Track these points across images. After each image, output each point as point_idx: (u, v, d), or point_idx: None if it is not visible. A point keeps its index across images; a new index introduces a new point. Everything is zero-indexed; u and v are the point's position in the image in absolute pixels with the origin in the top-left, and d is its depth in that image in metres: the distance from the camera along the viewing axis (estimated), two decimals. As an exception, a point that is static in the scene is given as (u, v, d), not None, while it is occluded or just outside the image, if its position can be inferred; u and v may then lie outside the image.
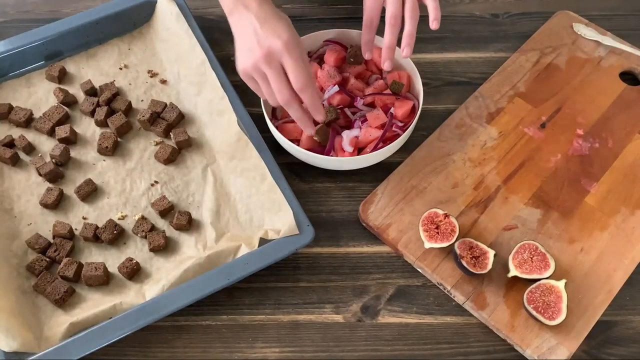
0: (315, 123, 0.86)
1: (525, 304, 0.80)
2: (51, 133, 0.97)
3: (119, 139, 0.97)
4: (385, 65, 0.89)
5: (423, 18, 1.13)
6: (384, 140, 0.91)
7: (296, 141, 0.92)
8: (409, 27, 0.85)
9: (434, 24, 0.84)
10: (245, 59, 0.79)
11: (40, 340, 0.79)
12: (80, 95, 1.02)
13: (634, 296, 0.85)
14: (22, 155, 0.96)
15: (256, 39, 0.77)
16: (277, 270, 0.87)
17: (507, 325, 0.81)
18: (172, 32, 1.04)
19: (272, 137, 0.94)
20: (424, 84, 0.95)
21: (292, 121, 0.94)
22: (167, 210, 0.90)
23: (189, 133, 0.97)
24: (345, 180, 0.95)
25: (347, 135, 0.92)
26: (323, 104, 0.95)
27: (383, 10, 0.87)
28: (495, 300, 0.83)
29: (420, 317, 0.84)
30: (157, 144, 0.97)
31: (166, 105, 0.99)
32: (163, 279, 0.83)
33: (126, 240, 0.89)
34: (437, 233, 0.85)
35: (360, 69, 0.98)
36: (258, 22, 0.77)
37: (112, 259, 0.87)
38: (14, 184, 0.93)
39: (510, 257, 0.84)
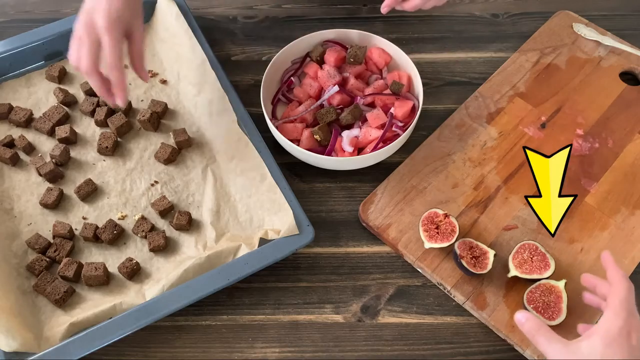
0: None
1: (525, 304, 0.80)
2: (51, 133, 0.97)
3: (119, 139, 0.97)
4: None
5: (422, 18, 1.14)
6: (384, 140, 0.91)
7: (296, 141, 0.92)
8: None
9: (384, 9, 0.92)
10: (78, 20, 0.82)
11: (40, 340, 0.79)
12: (80, 95, 1.02)
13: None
14: (22, 155, 0.96)
15: (92, 4, 0.81)
16: (277, 270, 0.87)
17: (507, 325, 0.81)
18: (172, 32, 1.04)
19: (272, 137, 0.94)
20: (424, 84, 0.95)
21: (292, 121, 0.95)
22: (167, 210, 0.90)
23: (189, 133, 0.97)
24: (345, 180, 0.95)
25: (347, 135, 0.92)
26: (323, 104, 0.95)
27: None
28: (495, 300, 0.83)
29: (420, 317, 0.84)
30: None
31: (166, 105, 0.99)
32: (163, 279, 0.83)
33: (126, 240, 0.89)
34: (437, 233, 0.85)
35: (360, 69, 0.99)
36: None
37: (112, 259, 0.87)
38: (14, 184, 0.93)
39: (510, 257, 0.84)
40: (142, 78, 0.87)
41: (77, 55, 0.82)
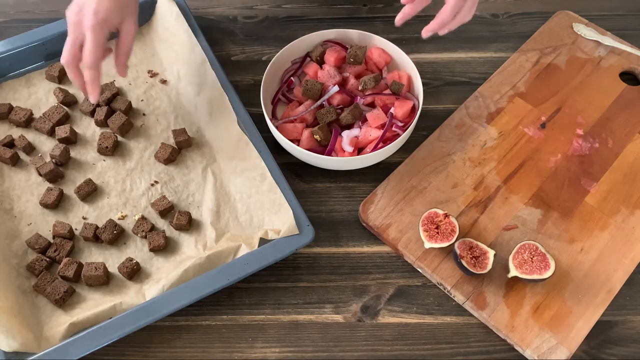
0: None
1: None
2: (51, 133, 0.97)
3: (119, 139, 0.97)
4: (424, 34, 0.89)
5: (422, 18, 1.14)
6: (384, 140, 0.91)
7: (296, 141, 0.92)
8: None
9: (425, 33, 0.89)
10: (69, 10, 0.84)
11: (40, 340, 0.79)
12: (80, 95, 1.02)
13: (634, 296, 0.85)
14: (22, 155, 0.96)
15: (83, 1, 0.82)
16: (277, 270, 0.87)
17: (507, 325, 0.81)
18: (172, 32, 1.04)
19: (272, 137, 0.94)
20: (424, 84, 0.95)
21: (292, 121, 0.95)
22: (167, 210, 0.90)
23: (189, 133, 0.97)
24: (345, 180, 0.95)
25: (347, 135, 0.92)
26: (323, 104, 0.95)
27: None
28: (495, 300, 0.83)
29: (420, 317, 0.84)
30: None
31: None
32: (163, 279, 0.83)
33: (126, 240, 0.89)
34: (437, 233, 0.85)
35: (360, 69, 0.99)
36: None
37: (112, 259, 0.87)
38: (14, 184, 0.93)
39: (511, 257, 0.84)
40: (119, 73, 0.87)
41: (67, 46, 0.83)
